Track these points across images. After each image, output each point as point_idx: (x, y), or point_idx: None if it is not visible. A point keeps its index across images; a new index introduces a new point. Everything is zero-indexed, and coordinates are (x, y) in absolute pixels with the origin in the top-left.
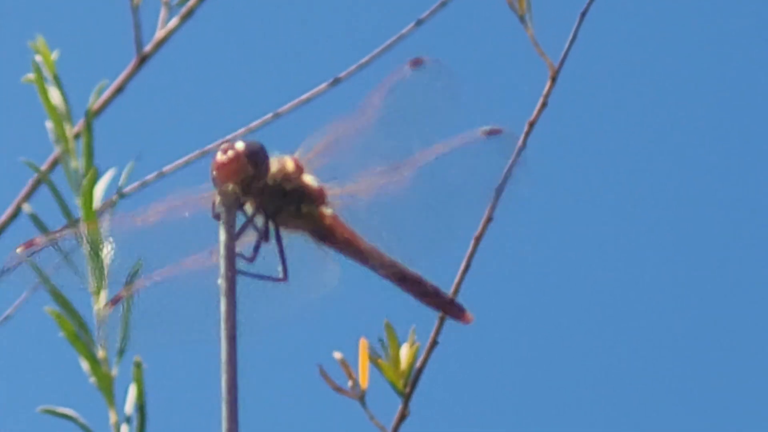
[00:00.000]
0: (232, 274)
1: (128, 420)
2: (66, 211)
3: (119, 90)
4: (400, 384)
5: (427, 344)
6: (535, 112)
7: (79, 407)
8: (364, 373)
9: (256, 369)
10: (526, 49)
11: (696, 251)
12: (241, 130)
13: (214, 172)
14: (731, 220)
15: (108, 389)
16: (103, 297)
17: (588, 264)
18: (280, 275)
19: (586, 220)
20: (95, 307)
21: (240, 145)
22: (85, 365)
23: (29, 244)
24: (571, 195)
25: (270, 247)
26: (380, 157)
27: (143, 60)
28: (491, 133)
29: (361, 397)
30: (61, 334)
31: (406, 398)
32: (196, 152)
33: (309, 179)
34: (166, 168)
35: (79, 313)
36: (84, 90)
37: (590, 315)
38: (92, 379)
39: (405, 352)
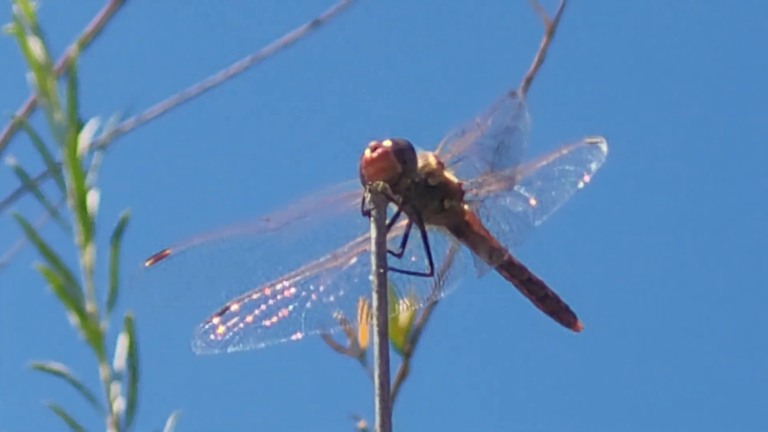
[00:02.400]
0: (383, 270)
1: (119, 375)
2: (48, 160)
3: (96, 33)
4: (400, 341)
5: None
6: (532, 68)
7: (71, 363)
8: (363, 332)
9: None
10: (521, 4)
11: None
12: (220, 74)
13: (363, 170)
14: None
15: (98, 343)
16: (90, 250)
17: (585, 219)
18: (427, 270)
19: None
20: (82, 261)
21: (387, 143)
22: (74, 319)
23: (159, 257)
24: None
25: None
26: (490, 166)
27: (121, 2)
28: (593, 142)
29: (361, 356)
30: (49, 288)
31: (407, 356)
32: (175, 96)
33: (450, 175)
34: (146, 113)
35: (67, 267)
36: (64, 37)
37: (586, 267)
38: (82, 334)
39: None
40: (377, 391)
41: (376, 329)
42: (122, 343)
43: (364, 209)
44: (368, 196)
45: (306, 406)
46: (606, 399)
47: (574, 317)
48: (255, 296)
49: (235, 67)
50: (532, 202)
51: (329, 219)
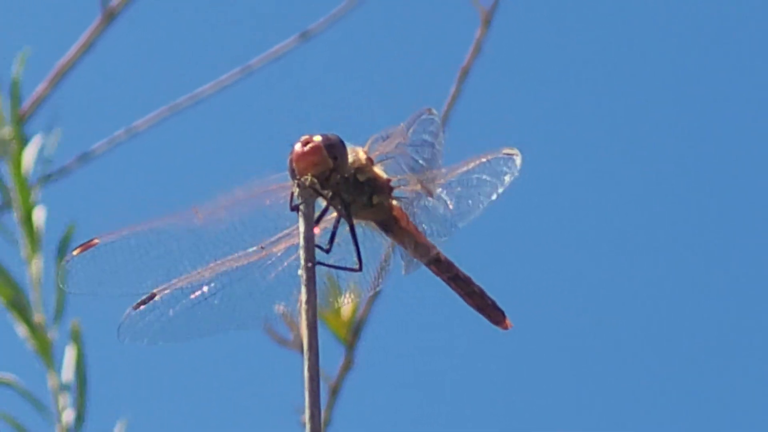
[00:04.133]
0: (312, 264)
1: (67, 385)
2: None
3: (86, 48)
4: (343, 333)
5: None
6: (468, 58)
7: (20, 373)
8: None
9: None
10: None
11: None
12: (209, 85)
13: (294, 164)
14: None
15: (47, 353)
16: (37, 263)
17: (526, 208)
18: (356, 265)
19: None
20: (29, 273)
21: (318, 138)
22: (22, 330)
23: (87, 246)
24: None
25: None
26: (411, 171)
27: (110, 17)
28: (509, 154)
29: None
30: None
31: (350, 348)
32: (165, 107)
33: (379, 171)
34: (136, 124)
35: (14, 278)
36: (50, 48)
37: (531, 259)
38: (30, 344)
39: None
40: (307, 384)
41: (305, 323)
42: (70, 353)
43: (293, 204)
44: (297, 190)
45: (250, 400)
46: (548, 392)
47: (503, 315)
48: (180, 285)
49: (224, 79)
50: (451, 206)
51: (257, 210)
